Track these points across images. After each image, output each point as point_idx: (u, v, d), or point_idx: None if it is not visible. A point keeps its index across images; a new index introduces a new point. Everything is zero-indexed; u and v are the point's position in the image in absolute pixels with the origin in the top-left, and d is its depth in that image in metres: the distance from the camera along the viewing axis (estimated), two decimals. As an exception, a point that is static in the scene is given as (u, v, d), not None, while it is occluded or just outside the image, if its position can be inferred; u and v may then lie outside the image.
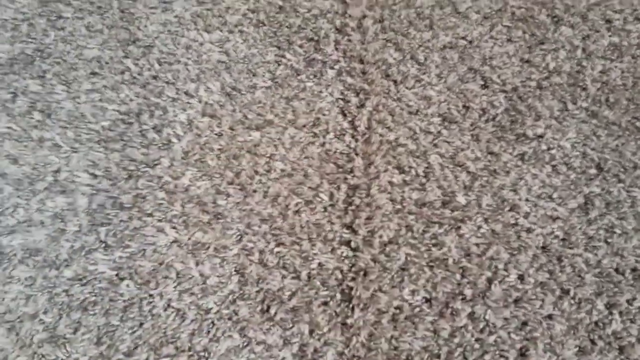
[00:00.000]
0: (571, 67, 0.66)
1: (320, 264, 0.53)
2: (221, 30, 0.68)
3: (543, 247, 0.55)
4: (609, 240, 0.55)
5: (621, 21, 0.70)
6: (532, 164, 0.59)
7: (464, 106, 0.63)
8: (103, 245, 0.54)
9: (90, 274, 0.52)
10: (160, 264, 0.53)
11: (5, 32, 0.67)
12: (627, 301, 0.52)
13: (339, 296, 0.52)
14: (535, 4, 0.71)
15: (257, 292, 0.52)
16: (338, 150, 0.60)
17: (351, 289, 0.52)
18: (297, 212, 0.56)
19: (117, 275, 0.52)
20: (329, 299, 0.52)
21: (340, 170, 0.59)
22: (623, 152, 0.60)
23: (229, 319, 0.51)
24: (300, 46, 0.67)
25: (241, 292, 0.52)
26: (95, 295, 0.51)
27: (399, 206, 0.56)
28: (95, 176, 0.57)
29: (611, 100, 0.64)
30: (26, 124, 0.60)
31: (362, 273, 0.53)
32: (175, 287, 0.52)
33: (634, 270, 0.54)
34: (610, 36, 0.69)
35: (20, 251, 0.53)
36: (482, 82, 0.65)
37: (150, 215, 0.55)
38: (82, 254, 0.53)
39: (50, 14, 0.69)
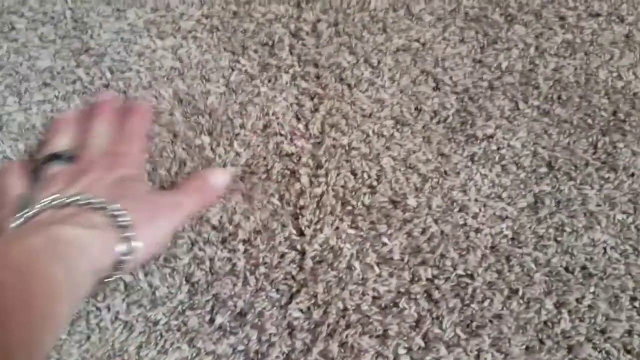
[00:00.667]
0: (523, 65, 0.66)
1: (268, 269, 0.53)
2: (174, 37, 0.68)
3: (492, 247, 0.55)
4: (559, 238, 0.56)
5: (575, 18, 0.70)
6: (481, 165, 0.59)
7: (416, 108, 0.63)
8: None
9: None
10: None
11: (-44, 45, 0.66)
12: (577, 300, 0.53)
13: (284, 300, 0.52)
14: (489, 3, 0.71)
15: (207, 301, 0.52)
16: (290, 154, 0.60)
17: (299, 291, 0.52)
18: (246, 216, 0.56)
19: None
20: (277, 302, 0.52)
21: (292, 174, 0.59)
22: (574, 150, 0.60)
23: (178, 330, 0.51)
24: (255, 51, 0.67)
25: (191, 302, 0.52)
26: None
27: (349, 207, 0.56)
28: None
29: (563, 98, 0.64)
30: (-24, 137, 0.60)
31: (309, 276, 0.53)
32: (123, 299, 0.52)
33: (583, 268, 0.54)
34: (563, 33, 0.69)
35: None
36: (434, 84, 0.65)
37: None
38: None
39: (3, 25, 0.68)
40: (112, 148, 0.55)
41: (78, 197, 0.46)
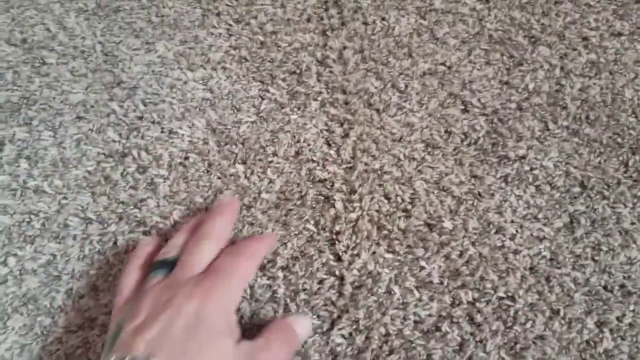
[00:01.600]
0: (550, 86, 0.67)
1: (308, 296, 0.54)
2: (204, 68, 0.69)
3: (531, 268, 0.55)
4: (596, 257, 0.56)
5: (597, 38, 0.71)
6: (515, 186, 0.60)
7: (445, 131, 0.64)
8: (94, 290, 0.54)
9: (84, 321, 0.53)
10: (152, 305, 0.53)
11: (-9, 81, 0.68)
12: (617, 318, 0.53)
13: (326, 326, 0.52)
14: (513, 25, 0.72)
15: (250, 329, 0.52)
16: (322, 179, 0.61)
17: (340, 317, 0.52)
18: (284, 243, 0.57)
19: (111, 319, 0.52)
20: (319, 328, 0.52)
21: (326, 199, 0.60)
22: (606, 168, 0.61)
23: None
24: (283, 79, 0.69)
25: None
26: (87, 343, 0.52)
27: (385, 232, 0.57)
28: (84, 220, 0.58)
29: (591, 118, 0.65)
30: (14, 172, 0.61)
31: (349, 302, 0.53)
32: (167, 328, 0.52)
33: (622, 286, 0.54)
34: (587, 53, 0.70)
35: (15, 300, 0.54)
36: (463, 107, 0.66)
37: (140, 257, 0.55)
38: (76, 300, 0.54)
39: (34, 60, 0.70)
40: (213, 264, 0.48)
41: None
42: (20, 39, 0.72)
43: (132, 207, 0.59)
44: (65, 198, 0.59)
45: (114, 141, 0.63)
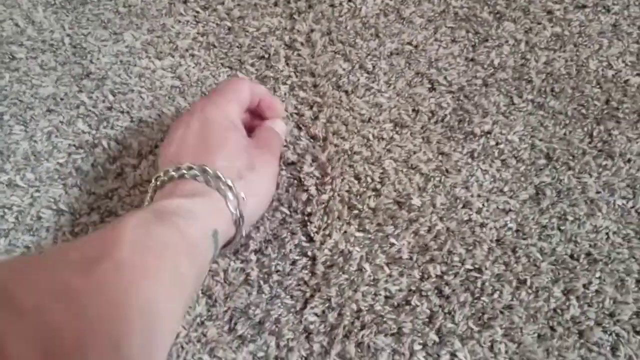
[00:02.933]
0: (515, 61, 0.68)
1: (281, 277, 0.55)
2: (172, 56, 0.70)
3: (497, 240, 0.56)
4: (562, 227, 0.57)
5: (562, 11, 0.72)
6: (482, 160, 0.61)
7: (413, 110, 0.65)
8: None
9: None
10: (126, 292, 0.53)
11: (-40, 78, 0.68)
12: (584, 286, 0.54)
13: (299, 305, 0.53)
14: (478, 2, 0.73)
15: (225, 311, 0.53)
16: (295, 162, 0.61)
17: (312, 296, 0.53)
18: (256, 227, 0.57)
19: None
20: (292, 308, 0.53)
21: (298, 182, 0.60)
22: (571, 140, 0.62)
23: (198, 341, 0.52)
24: (252, 65, 0.69)
25: (209, 313, 0.53)
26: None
27: (355, 211, 0.58)
28: (57, 212, 0.58)
29: (556, 90, 0.66)
30: (-14, 167, 0.61)
31: (321, 281, 0.54)
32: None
33: (588, 254, 0.55)
34: (552, 27, 0.71)
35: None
36: (430, 85, 0.66)
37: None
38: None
39: (4, 56, 0.70)
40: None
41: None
42: (-12, 35, 0.71)
43: (103, 197, 0.59)
44: (37, 191, 0.60)
45: (84, 132, 0.64)
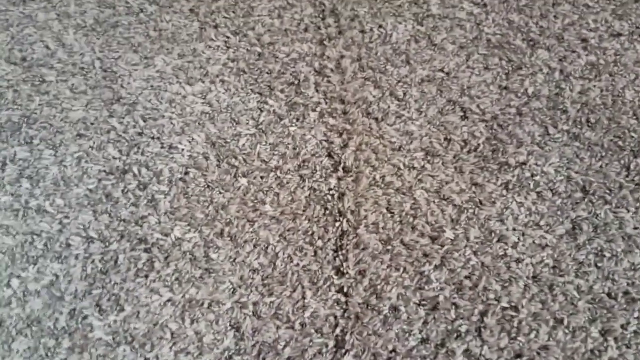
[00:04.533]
0: (550, 90, 0.66)
1: (313, 312, 0.54)
2: (203, 82, 0.69)
3: (534, 277, 0.55)
4: (599, 264, 0.55)
5: (597, 39, 0.71)
6: (516, 192, 0.60)
7: (445, 139, 0.64)
8: (98, 309, 0.54)
9: (87, 341, 0.53)
10: (155, 324, 0.53)
11: (-9, 101, 0.68)
12: (622, 326, 0.52)
13: (332, 343, 0.52)
14: (511, 29, 0.72)
15: (253, 346, 0.52)
16: (325, 193, 0.61)
17: (344, 333, 0.52)
18: (287, 259, 0.57)
19: (113, 339, 0.53)
20: (323, 346, 0.52)
21: (328, 212, 0.59)
22: (607, 173, 0.61)
23: (227, 374, 0.51)
24: (281, 91, 0.68)
25: (237, 347, 0.52)
26: (93, 362, 0.52)
27: (388, 246, 0.57)
28: (86, 239, 0.58)
29: (592, 121, 0.64)
30: (15, 192, 0.61)
31: (354, 317, 0.53)
32: (170, 347, 0.52)
33: (625, 293, 0.54)
34: (586, 55, 0.69)
35: (19, 322, 0.54)
36: (462, 113, 0.65)
37: (143, 275, 0.56)
38: (79, 320, 0.54)
39: (34, 78, 0.70)
40: None
41: None
42: (20, 57, 0.72)
43: (133, 224, 0.59)
44: (67, 217, 0.60)
45: (114, 158, 0.64)
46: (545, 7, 0.73)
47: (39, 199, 0.61)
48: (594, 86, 0.66)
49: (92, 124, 0.66)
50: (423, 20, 0.73)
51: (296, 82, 0.69)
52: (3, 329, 0.54)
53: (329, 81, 0.69)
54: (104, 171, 0.63)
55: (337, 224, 0.58)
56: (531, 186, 0.60)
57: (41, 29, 0.75)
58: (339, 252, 0.57)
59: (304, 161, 0.63)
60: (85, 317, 0.54)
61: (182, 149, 0.64)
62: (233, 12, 0.75)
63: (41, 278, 0.56)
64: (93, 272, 0.57)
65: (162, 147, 0.64)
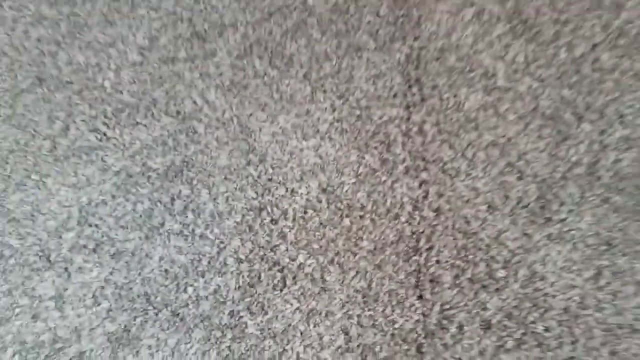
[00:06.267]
0: (589, 159, 0.85)
1: (400, 325, 0.76)
2: (315, 138, 0.91)
3: (564, 309, 0.75)
4: (614, 302, 0.75)
5: (632, 115, 0.88)
6: (557, 242, 0.79)
7: (504, 195, 0.84)
8: (249, 312, 0.78)
9: (244, 334, 0.77)
10: (289, 325, 0.76)
11: (157, 147, 0.91)
12: (625, 350, 0.72)
13: (414, 350, 0.74)
14: (563, 103, 0.90)
15: (358, 346, 0.75)
16: (409, 235, 0.82)
17: (422, 345, 0.74)
18: (380, 284, 0.78)
19: (261, 334, 0.76)
20: (407, 352, 0.74)
21: (411, 249, 0.81)
22: (628, 231, 0.79)
23: (339, 365, 0.74)
24: (375, 148, 0.89)
25: (347, 346, 0.75)
26: (248, 349, 0.76)
27: (457, 280, 0.78)
28: (237, 260, 0.82)
29: (620, 187, 0.82)
30: (183, 221, 0.85)
31: (430, 333, 0.75)
32: (300, 342, 0.75)
33: (630, 325, 0.73)
34: (622, 129, 0.87)
35: (195, 318, 0.78)
36: (518, 175, 0.85)
37: (278, 289, 0.79)
38: (237, 319, 0.78)
39: (188, 130, 0.93)
40: None
41: None
42: (175, 111, 0.95)
43: (269, 250, 0.82)
44: (222, 242, 0.83)
45: (253, 198, 0.86)
46: (592, 84, 0.90)
47: (201, 227, 0.85)
48: (626, 157, 0.84)
49: (234, 169, 0.89)
50: (491, 91, 0.91)
51: (387, 141, 0.89)
52: (184, 322, 0.78)
53: (413, 142, 0.89)
54: (246, 208, 0.86)
55: (416, 258, 0.79)
56: (568, 238, 0.79)
57: (188, 87, 0.98)
58: (419, 280, 0.78)
59: (392, 206, 0.84)
60: (241, 317, 0.78)
61: (301, 193, 0.86)
62: (337, 78, 0.95)
63: (208, 287, 0.80)
64: (244, 285, 0.80)
65: (286, 191, 0.87)
